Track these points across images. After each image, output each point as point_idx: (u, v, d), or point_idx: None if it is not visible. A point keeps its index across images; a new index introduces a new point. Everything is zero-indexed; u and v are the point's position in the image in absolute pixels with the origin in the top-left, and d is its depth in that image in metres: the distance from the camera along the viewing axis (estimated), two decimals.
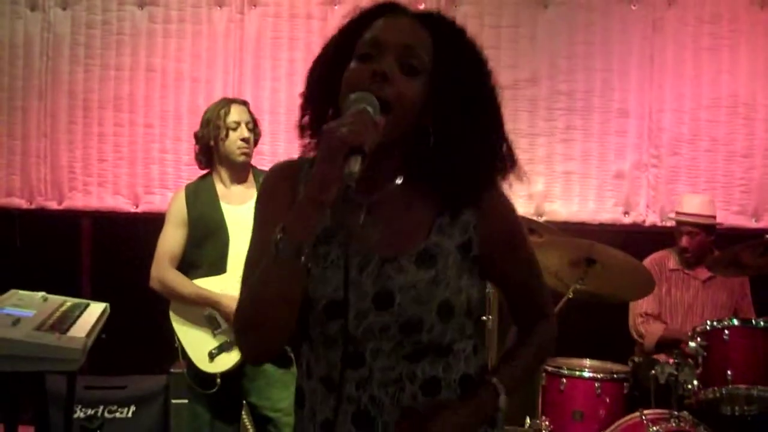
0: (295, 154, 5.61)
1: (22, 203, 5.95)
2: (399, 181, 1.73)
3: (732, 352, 4.15)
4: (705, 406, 4.23)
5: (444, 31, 1.72)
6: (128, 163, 5.92)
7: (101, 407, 5.26)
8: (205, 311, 3.97)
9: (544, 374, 4.39)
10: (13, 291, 3.83)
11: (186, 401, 4.39)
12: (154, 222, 5.39)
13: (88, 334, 3.37)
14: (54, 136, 5.92)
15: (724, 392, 4.14)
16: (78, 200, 5.95)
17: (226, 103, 4.11)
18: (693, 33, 5.76)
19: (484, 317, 4.40)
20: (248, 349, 1.69)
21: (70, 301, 3.91)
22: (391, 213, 1.73)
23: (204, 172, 4.19)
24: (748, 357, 4.12)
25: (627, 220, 5.82)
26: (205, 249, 4.00)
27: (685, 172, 5.79)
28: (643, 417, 4.08)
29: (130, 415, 5.29)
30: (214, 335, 3.97)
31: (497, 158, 1.73)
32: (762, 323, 4.17)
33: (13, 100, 5.93)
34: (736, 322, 4.24)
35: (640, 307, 5.00)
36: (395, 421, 1.69)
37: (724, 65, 5.75)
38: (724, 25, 5.74)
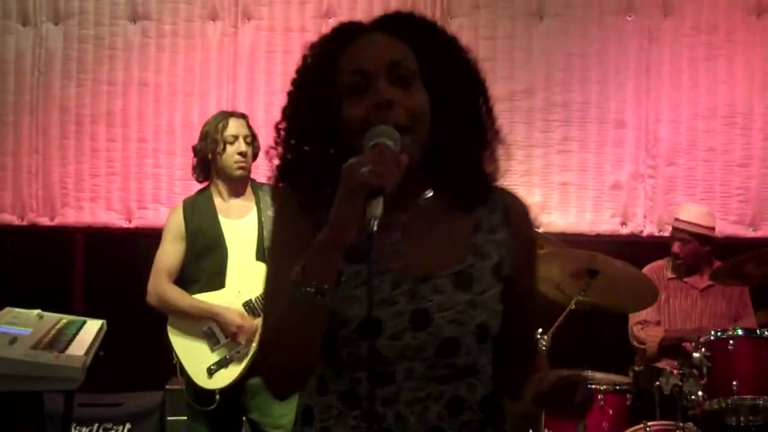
0: None
1: (13, 220, 5.87)
2: (429, 194, 1.71)
3: (737, 362, 4.12)
4: (710, 417, 4.19)
5: (417, 32, 1.68)
6: (121, 179, 5.86)
7: (96, 425, 5.21)
8: (203, 326, 3.92)
9: None
10: (8, 309, 3.79)
11: (182, 418, 4.37)
12: (148, 237, 5.38)
13: (87, 352, 3.33)
14: (46, 152, 5.86)
15: (729, 403, 4.10)
16: (70, 216, 5.87)
17: (225, 116, 4.08)
18: (689, 43, 5.75)
19: None
20: (274, 384, 1.66)
21: (65, 319, 3.88)
22: (424, 230, 1.69)
23: (202, 186, 4.15)
24: (753, 367, 4.10)
25: (624, 230, 5.79)
26: (203, 263, 3.96)
27: (682, 182, 5.77)
28: (648, 429, 4.05)
29: None
30: (213, 350, 3.93)
31: (485, 133, 1.71)
32: (767, 333, 4.14)
33: (4, 115, 5.86)
34: (740, 332, 4.21)
35: (639, 315, 4.97)
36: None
37: (721, 75, 5.75)
38: (720, 35, 5.75)
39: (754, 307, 5.08)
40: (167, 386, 5.00)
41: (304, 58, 1.73)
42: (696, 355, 4.19)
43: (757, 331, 4.21)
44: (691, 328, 4.87)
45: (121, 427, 5.24)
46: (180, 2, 5.82)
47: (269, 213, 3.98)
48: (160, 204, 5.78)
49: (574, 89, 5.75)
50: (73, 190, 5.86)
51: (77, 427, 5.15)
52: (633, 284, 4.33)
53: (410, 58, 1.64)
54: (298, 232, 1.68)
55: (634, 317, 5.01)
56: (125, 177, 5.86)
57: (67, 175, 5.86)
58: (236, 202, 4.04)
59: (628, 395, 4.35)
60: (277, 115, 5.34)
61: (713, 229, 5.09)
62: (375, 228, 1.45)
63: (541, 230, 5.56)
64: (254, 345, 3.90)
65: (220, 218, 3.99)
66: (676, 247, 5.03)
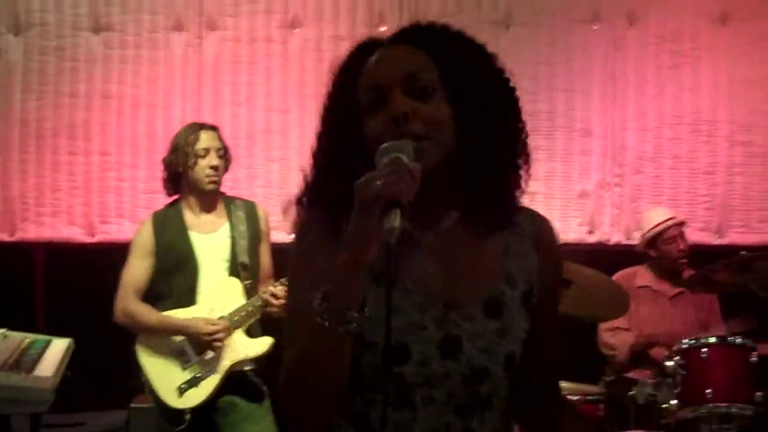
0: (256, 181, 5.50)
1: None
2: (454, 215, 1.64)
3: (711, 370, 4.12)
4: (684, 426, 4.19)
5: (444, 47, 1.61)
6: (83, 192, 5.75)
7: None
8: (174, 344, 3.85)
9: None
10: None
11: None
12: (111, 252, 5.27)
13: (55, 373, 3.25)
14: (5, 166, 5.73)
15: (703, 411, 4.10)
16: (31, 231, 5.75)
17: (196, 129, 4.00)
18: (654, 51, 5.79)
19: None
20: (302, 424, 1.60)
21: (30, 338, 3.79)
22: (451, 253, 1.64)
23: (169, 199, 4.08)
24: (727, 375, 4.10)
25: (592, 239, 5.80)
26: (173, 280, 3.89)
27: (648, 190, 5.81)
28: None
29: None
30: (184, 369, 3.86)
31: (520, 156, 1.66)
32: (739, 340, 4.15)
33: None
34: (713, 339, 4.22)
35: (609, 323, 4.96)
36: None
37: (686, 83, 5.79)
38: (685, 43, 5.79)
39: (723, 314, 5.10)
40: (132, 405, 4.89)
41: (329, 80, 1.68)
42: (669, 363, 4.19)
43: (730, 338, 4.22)
44: (661, 333, 4.88)
45: None
46: (143, 13, 5.73)
47: (241, 228, 3.93)
48: (123, 218, 5.68)
49: (541, 98, 5.75)
50: (33, 204, 5.74)
51: None
52: (605, 293, 4.31)
53: (429, 68, 1.58)
54: (319, 258, 1.61)
55: (603, 324, 5.00)
56: (87, 191, 5.75)
57: (27, 189, 5.73)
58: (207, 217, 3.98)
59: (599, 405, 4.34)
60: (242, 128, 5.28)
61: None
62: (394, 239, 1.38)
63: None
64: (226, 363, 3.84)
65: (191, 233, 3.91)
66: (682, 245, 5.03)
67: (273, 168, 5.71)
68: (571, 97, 5.77)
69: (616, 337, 4.95)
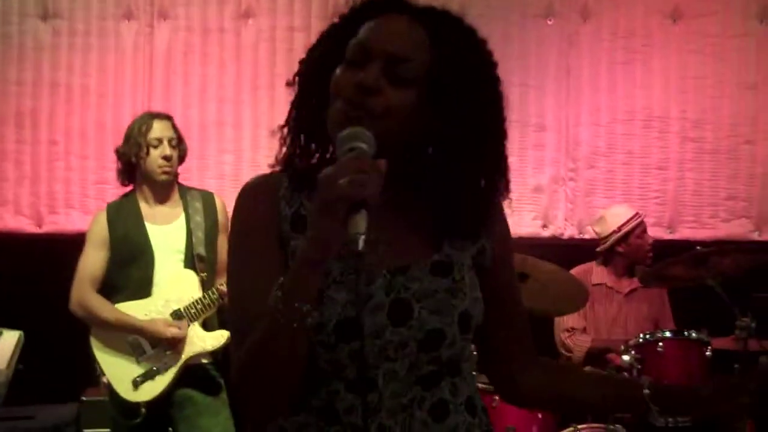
0: (208, 172, 5.41)
1: None
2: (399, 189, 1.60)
3: (667, 364, 4.15)
4: (638, 419, 4.20)
5: (444, 32, 1.56)
6: (31, 182, 5.63)
7: None
8: (129, 337, 3.78)
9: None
10: None
11: (99, 430, 4.20)
12: (59, 243, 5.18)
13: (8, 366, 3.17)
14: None
15: None
16: None
17: (148, 118, 3.93)
18: (608, 48, 5.83)
19: None
20: (255, 410, 1.55)
21: None
22: (395, 225, 1.60)
23: (120, 189, 4.02)
24: (682, 369, 4.14)
25: (546, 233, 5.83)
26: (129, 271, 3.83)
27: (601, 185, 5.85)
28: None
29: None
30: (139, 362, 3.80)
31: (500, 178, 1.64)
32: (694, 335, 4.19)
33: None
34: (669, 334, 4.26)
35: (566, 323, 4.98)
36: None
37: (638, 79, 5.84)
38: (637, 39, 5.84)
39: (672, 308, 5.16)
40: (83, 398, 4.82)
41: (331, 24, 1.65)
42: (626, 357, 4.22)
43: (685, 332, 4.26)
44: (617, 339, 4.90)
45: None
46: (93, 0, 5.62)
47: (198, 219, 3.87)
48: (72, 209, 5.60)
49: None
50: None
51: None
52: (563, 287, 4.33)
53: (421, 51, 1.54)
54: (262, 231, 1.58)
55: (560, 325, 5.03)
56: (35, 180, 5.63)
57: None
58: (163, 208, 3.91)
59: None
60: (194, 118, 5.17)
61: None
62: (362, 245, 1.33)
63: None
64: (183, 356, 3.78)
65: (147, 224, 3.85)
66: (649, 240, 5.09)
67: (226, 159, 5.64)
68: (526, 92, 5.78)
69: (572, 339, 4.97)
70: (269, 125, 5.62)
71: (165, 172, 3.87)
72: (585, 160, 5.83)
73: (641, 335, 4.26)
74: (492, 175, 1.63)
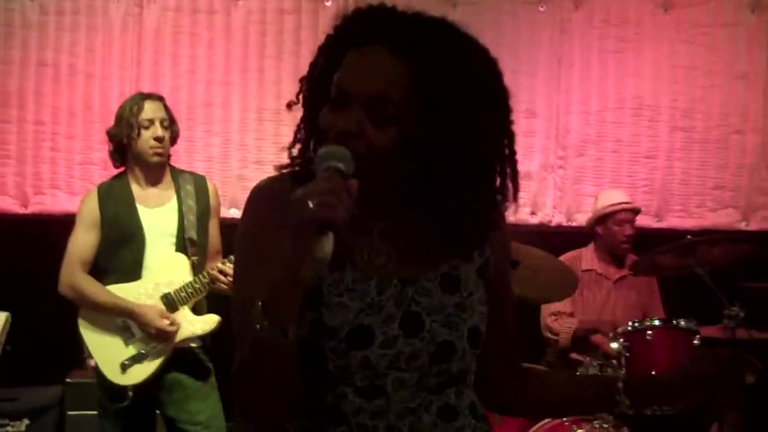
0: (196, 155, 5.37)
1: None
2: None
3: (655, 352, 4.15)
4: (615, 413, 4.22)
5: (426, 56, 1.50)
6: (17, 162, 5.58)
7: None
8: (118, 319, 3.75)
9: None
10: None
11: (83, 413, 4.23)
12: (45, 224, 5.14)
13: None
14: None
15: None
16: None
17: (140, 98, 3.87)
18: (599, 35, 5.84)
19: None
20: (254, 414, 1.53)
21: None
22: (405, 236, 1.61)
23: (106, 170, 3.98)
24: (670, 357, 4.12)
25: (534, 220, 5.84)
26: (119, 253, 3.78)
27: (590, 173, 5.87)
28: (564, 421, 4.04)
29: (23, 428, 4.97)
30: (128, 345, 3.77)
31: (502, 193, 1.59)
32: (683, 323, 4.19)
33: None
34: (657, 322, 4.25)
35: (553, 306, 4.98)
36: None
37: (629, 68, 5.85)
38: (629, 28, 5.85)
39: (662, 297, 5.17)
40: (67, 379, 4.81)
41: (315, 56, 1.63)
42: (614, 345, 4.21)
43: (674, 321, 4.26)
44: (604, 320, 4.92)
45: (18, 423, 4.98)
46: None
47: (190, 202, 3.83)
48: (58, 189, 5.55)
49: None
50: None
51: None
52: (553, 274, 4.32)
53: (400, 94, 1.49)
54: (270, 236, 1.55)
55: (547, 308, 5.03)
56: (21, 161, 5.58)
57: None
58: (154, 190, 3.86)
59: None
60: (183, 100, 5.14)
61: None
62: (325, 270, 1.38)
63: None
64: (174, 341, 3.76)
65: (138, 206, 3.80)
66: (628, 230, 5.07)
67: (214, 142, 5.60)
68: (516, 79, 5.74)
69: (558, 322, 4.98)
70: (258, 107, 5.61)
71: (157, 153, 3.82)
72: (574, 148, 5.84)
73: (630, 323, 4.25)
74: (492, 191, 1.59)
